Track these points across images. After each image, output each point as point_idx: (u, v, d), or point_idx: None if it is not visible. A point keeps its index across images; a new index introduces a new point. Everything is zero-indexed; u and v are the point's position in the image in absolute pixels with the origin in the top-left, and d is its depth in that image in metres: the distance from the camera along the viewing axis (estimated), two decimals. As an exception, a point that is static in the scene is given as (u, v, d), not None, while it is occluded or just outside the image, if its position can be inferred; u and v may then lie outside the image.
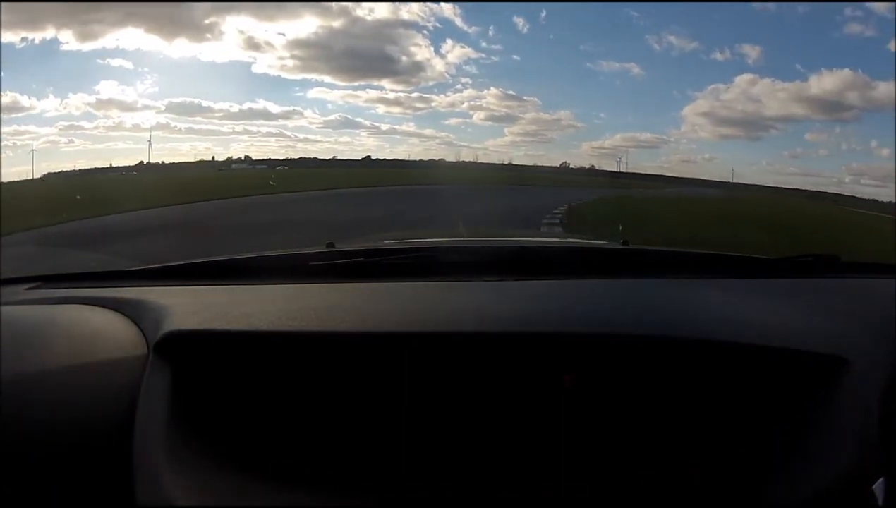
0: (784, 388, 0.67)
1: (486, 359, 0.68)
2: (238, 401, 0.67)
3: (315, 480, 0.63)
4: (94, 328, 0.76)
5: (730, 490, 0.62)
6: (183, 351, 0.69)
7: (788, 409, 0.65)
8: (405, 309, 0.80)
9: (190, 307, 0.78)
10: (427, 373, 0.68)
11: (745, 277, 0.96)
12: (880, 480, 0.57)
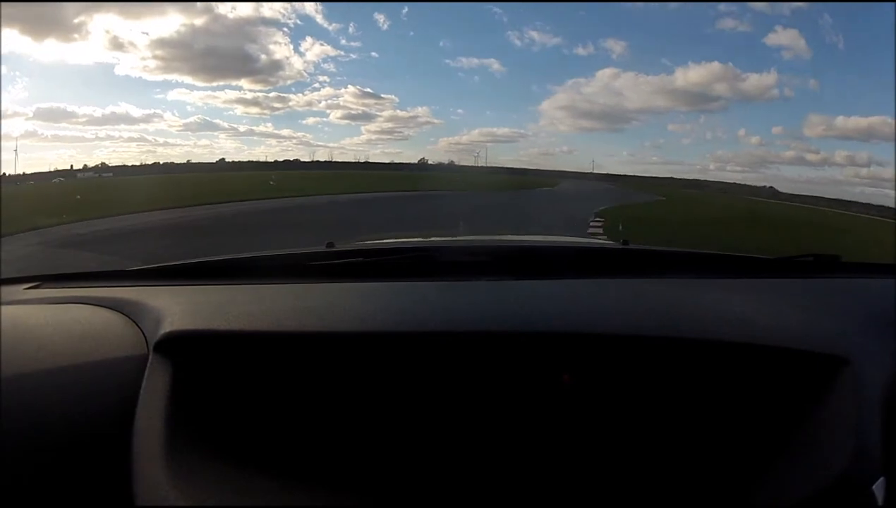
0: (784, 388, 0.67)
1: (485, 359, 0.68)
2: (238, 401, 0.67)
3: (315, 480, 0.63)
4: (94, 328, 0.76)
5: (729, 489, 0.62)
6: (183, 351, 0.69)
7: (788, 409, 0.65)
8: (405, 308, 0.80)
9: (190, 307, 0.78)
10: (426, 373, 0.68)
11: (745, 277, 0.96)
12: (880, 480, 0.57)
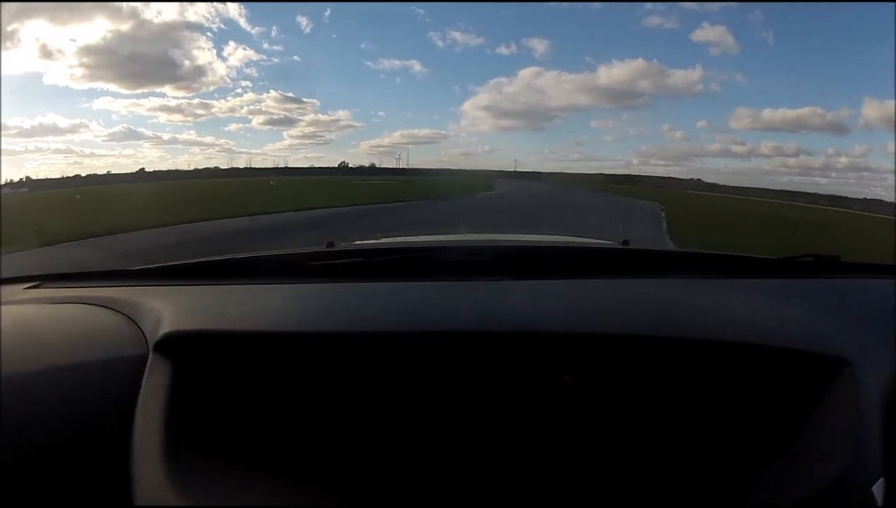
0: (783, 388, 0.66)
1: (485, 359, 0.68)
2: (238, 401, 0.67)
3: (315, 480, 0.63)
4: (94, 328, 0.76)
5: (729, 489, 0.62)
6: (183, 351, 0.69)
7: (788, 409, 0.65)
8: (405, 308, 0.80)
9: (190, 307, 0.78)
10: (426, 373, 0.68)
11: (745, 277, 0.96)
12: (880, 480, 0.57)
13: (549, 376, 0.68)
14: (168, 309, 0.75)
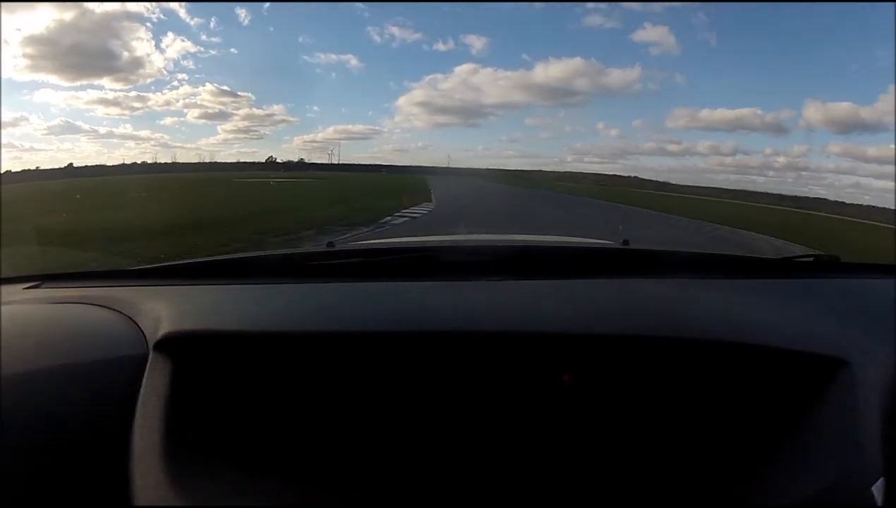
0: (783, 389, 0.67)
1: (485, 359, 0.68)
2: (238, 401, 0.67)
3: (314, 480, 0.63)
4: (94, 327, 0.76)
5: (729, 490, 0.62)
6: (183, 351, 0.69)
7: (787, 410, 0.65)
8: (405, 308, 0.80)
9: (190, 306, 0.78)
10: (427, 373, 0.68)
11: (745, 277, 0.96)
12: (880, 481, 0.57)
13: (550, 376, 0.68)
14: (168, 309, 0.75)
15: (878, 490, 0.56)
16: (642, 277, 0.92)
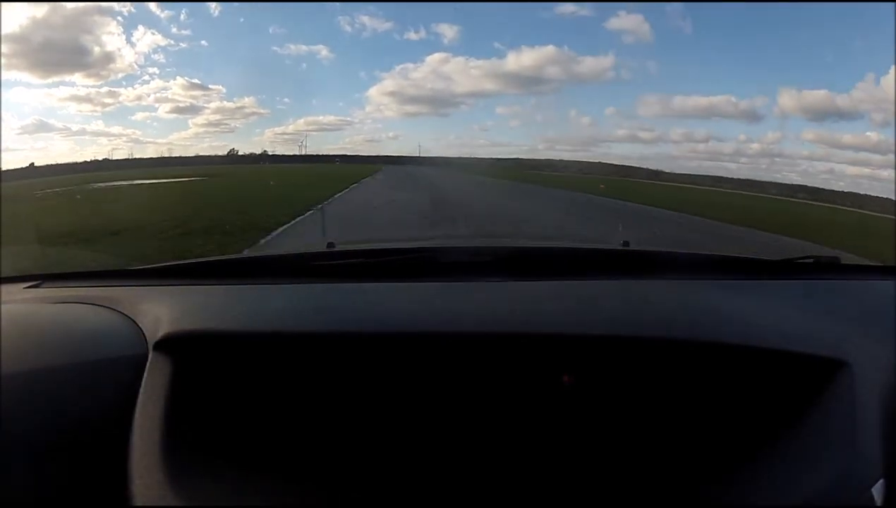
0: (783, 390, 0.67)
1: (485, 360, 0.68)
2: (237, 401, 0.67)
3: (314, 480, 0.63)
4: (94, 327, 0.76)
5: (729, 491, 0.62)
6: (183, 351, 0.69)
7: (787, 411, 0.65)
8: (405, 309, 0.80)
9: (190, 306, 0.78)
10: (427, 373, 0.68)
11: (745, 278, 0.96)
12: (879, 482, 0.57)
13: (549, 377, 0.68)
14: (168, 309, 0.75)
15: (878, 490, 0.56)
16: (643, 278, 0.92)
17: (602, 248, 1.22)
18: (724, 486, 0.62)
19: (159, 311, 0.75)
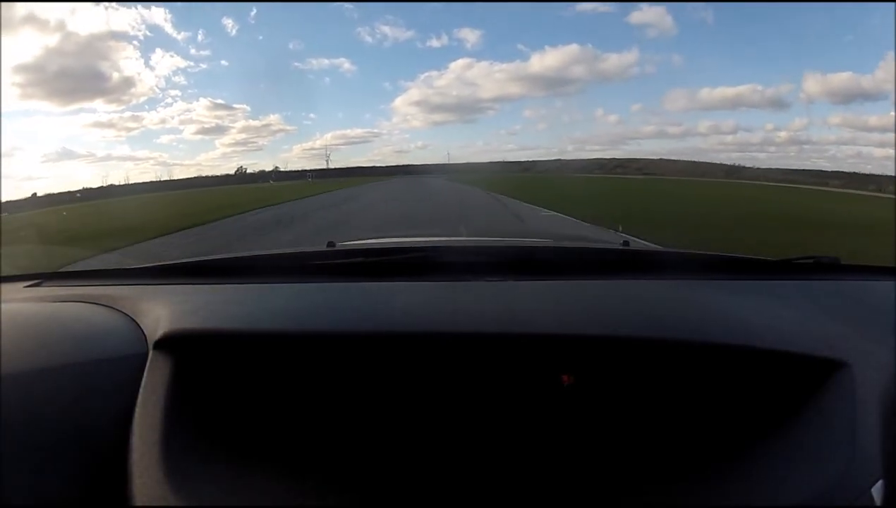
0: (782, 391, 0.67)
1: (485, 360, 0.68)
2: (238, 401, 0.67)
3: (314, 480, 0.63)
4: (94, 326, 0.76)
5: (728, 491, 0.62)
6: (183, 350, 0.69)
7: (787, 412, 0.65)
8: (405, 308, 0.80)
9: (190, 306, 0.78)
10: (426, 373, 0.68)
11: (745, 279, 0.96)
12: (879, 483, 0.57)
13: (549, 377, 0.68)
14: (168, 308, 0.75)
15: (877, 490, 0.56)
16: (642, 278, 0.92)
17: (602, 248, 1.22)
18: (723, 486, 0.62)
19: (160, 310, 0.75)
